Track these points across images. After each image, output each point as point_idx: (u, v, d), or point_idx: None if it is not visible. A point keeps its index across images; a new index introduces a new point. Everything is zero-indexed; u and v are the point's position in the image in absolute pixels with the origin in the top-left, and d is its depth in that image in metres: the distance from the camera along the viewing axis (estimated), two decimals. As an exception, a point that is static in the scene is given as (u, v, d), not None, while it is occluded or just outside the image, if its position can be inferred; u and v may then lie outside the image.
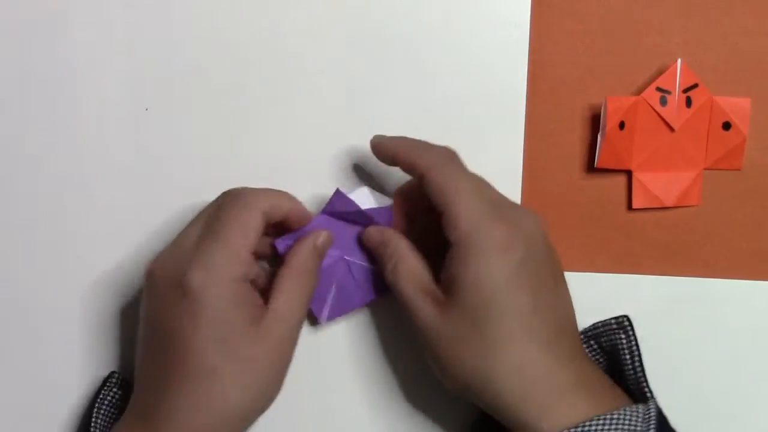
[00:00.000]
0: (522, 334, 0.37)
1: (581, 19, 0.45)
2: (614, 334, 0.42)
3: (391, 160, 0.42)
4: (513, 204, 0.41)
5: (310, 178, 0.46)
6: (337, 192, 0.42)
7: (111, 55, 0.45)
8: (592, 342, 0.43)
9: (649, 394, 0.40)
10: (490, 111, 0.45)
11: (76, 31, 0.45)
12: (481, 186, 0.40)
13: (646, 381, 0.40)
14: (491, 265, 0.37)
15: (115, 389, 0.43)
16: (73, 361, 0.46)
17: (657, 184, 0.45)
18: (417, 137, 0.45)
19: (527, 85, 0.45)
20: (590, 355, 0.43)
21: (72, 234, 0.46)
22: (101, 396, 0.43)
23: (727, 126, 0.45)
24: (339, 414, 0.46)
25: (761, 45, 0.45)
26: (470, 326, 0.38)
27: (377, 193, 0.43)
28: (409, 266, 0.41)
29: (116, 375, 0.44)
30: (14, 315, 0.46)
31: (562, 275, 0.41)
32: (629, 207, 0.46)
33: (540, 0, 0.45)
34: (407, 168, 0.41)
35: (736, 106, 0.45)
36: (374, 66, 0.45)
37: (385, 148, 0.42)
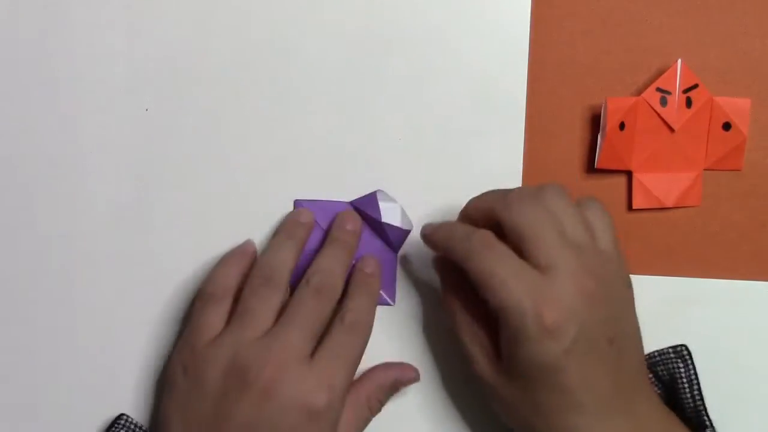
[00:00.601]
0: (571, 408, 0.38)
1: (581, 20, 0.45)
2: (672, 363, 0.43)
3: (440, 252, 0.42)
4: (580, 250, 0.38)
5: (311, 178, 0.46)
6: (374, 195, 0.45)
7: (111, 55, 0.45)
8: (647, 371, 0.43)
9: (708, 423, 0.41)
10: (490, 112, 0.45)
11: (76, 31, 0.45)
12: (526, 267, 0.38)
13: (705, 411, 0.41)
14: (541, 350, 0.37)
15: (123, 431, 0.44)
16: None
17: (657, 185, 0.45)
18: (417, 138, 0.45)
19: (527, 85, 0.45)
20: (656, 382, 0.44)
21: (70, 233, 0.46)
22: None
23: (727, 126, 0.45)
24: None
25: (761, 45, 0.45)
26: (522, 393, 0.39)
27: (407, 217, 0.45)
28: (467, 319, 0.41)
29: (125, 417, 0.44)
30: (13, 320, 0.46)
31: (629, 305, 0.40)
32: (629, 207, 0.46)
33: (540, 0, 0.45)
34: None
35: (736, 106, 0.44)
36: (375, 67, 0.45)
37: (430, 241, 0.42)
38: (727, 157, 0.45)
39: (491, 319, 0.40)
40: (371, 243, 0.45)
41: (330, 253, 0.43)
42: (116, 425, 0.44)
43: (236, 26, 0.45)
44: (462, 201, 0.45)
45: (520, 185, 0.45)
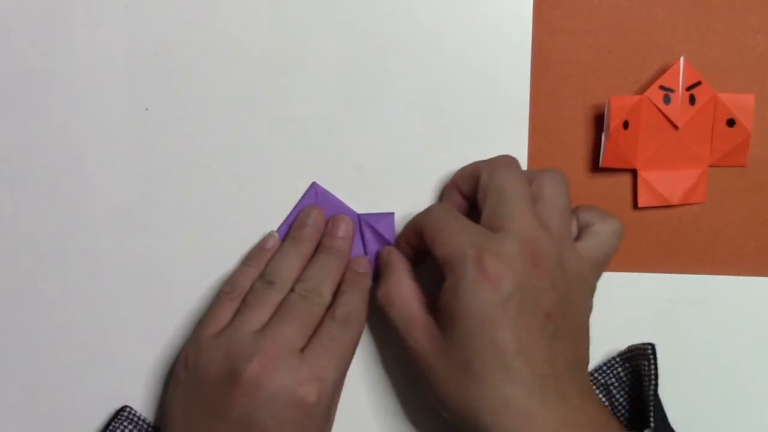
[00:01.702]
0: (501, 374, 0.37)
1: (584, 19, 0.45)
2: (639, 359, 0.43)
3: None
4: (533, 222, 0.39)
5: (311, 178, 0.45)
6: (391, 216, 0.46)
7: (111, 55, 0.45)
8: (627, 365, 0.44)
9: (650, 424, 0.40)
10: (494, 112, 0.45)
11: (76, 31, 0.45)
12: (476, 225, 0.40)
13: (652, 410, 0.41)
14: (476, 296, 0.37)
15: (125, 423, 0.44)
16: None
17: (662, 183, 0.45)
18: (420, 138, 0.45)
19: (530, 85, 0.45)
20: (625, 377, 0.44)
21: (70, 233, 0.45)
22: (111, 428, 0.43)
23: (731, 123, 0.45)
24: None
25: (764, 41, 0.45)
26: (458, 361, 0.38)
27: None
28: (402, 294, 0.41)
29: (128, 409, 0.44)
30: (12, 323, 0.45)
31: (580, 305, 0.40)
32: (635, 206, 0.46)
33: (542, 0, 0.45)
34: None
35: (740, 102, 0.45)
36: (376, 67, 0.45)
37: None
38: (731, 154, 0.45)
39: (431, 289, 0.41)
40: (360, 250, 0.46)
41: (320, 263, 0.44)
42: (119, 417, 0.44)
43: (237, 26, 0.45)
44: (466, 202, 0.45)
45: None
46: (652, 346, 0.42)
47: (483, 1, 0.45)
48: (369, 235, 0.45)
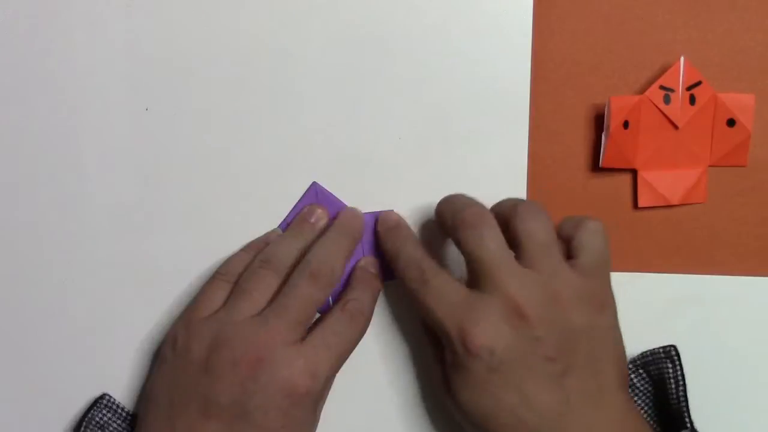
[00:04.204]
0: (515, 428, 0.38)
1: (583, 19, 0.45)
2: (662, 362, 0.43)
3: None
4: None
5: (311, 178, 0.45)
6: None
7: (111, 55, 0.45)
8: (641, 370, 0.43)
9: (688, 425, 0.40)
10: (494, 112, 0.45)
11: (76, 31, 0.45)
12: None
13: (687, 412, 0.41)
14: (470, 371, 0.38)
15: (104, 411, 0.43)
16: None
17: (662, 183, 0.45)
18: (420, 138, 0.45)
19: (530, 85, 0.45)
20: (640, 383, 0.43)
21: (71, 234, 0.45)
22: (89, 416, 0.43)
23: (731, 123, 0.45)
24: (334, 414, 0.45)
25: (764, 41, 0.45)
26: (473, 415, 0.39)
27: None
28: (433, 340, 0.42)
29: (107, 397, 0.44)
30: (5, 318, 0.45)
31: (591, 327, 0.39)
32: (635, 206, 0.46)
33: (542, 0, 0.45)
34: None
35: (740, 102, 0.45)
36: (376, 67, 0.45)
37: None
38: (731, 154, 0.45)
39: None
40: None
41: (333, 238, 0.43)
42: (98, 405, 0.43)
43: (237, 26, 0.45)
44: (466, 202, 0.45)
45: (525, 186, 0.45)
46: (675, 347, 0.42)
47: (483, 1, 0.45)
48: (369, 235, 0.45)
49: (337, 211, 0.45)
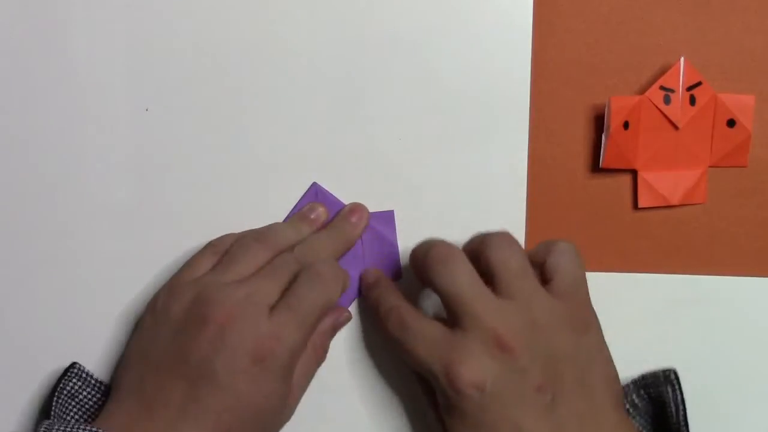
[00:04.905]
0: None
1: (583, 19, 0.45)
2: (661, 386, 0.42)
3: None
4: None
5: (311, 179, 0.45)
6: (391, 213, 0.46)
7: (111, 55, 0.45)
8: (641, 391, 0.43)
9: None
10: (494, 112, 0.45)
11: (77, 31, 0.45)
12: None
13: None
14: (460, 410, 0.38)
15: (74, 380, 0.43)
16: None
17: (662, 183, 0.45)
18: (420, 138, 0.45)
19: (530, 86, 0.45)
20: (641, 403, 0.43)
21: (71, 234, 0.45)
22: (61, 385, 0.42)
23: (731, 123, 0.45)
24: (333, 414, 0.45)
25: (764, 42, 0.45)
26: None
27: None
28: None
29: (77, 366, 0.44)
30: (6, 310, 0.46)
31: (576, 349, 0.39)
32: (635, 206, 0.46)
33: (542, 0, 0.45)
34: None
35: (740, 103, 0.45)
36: (377, 68, 0.45)
37: None
38: (731, 154, 0.45)
39: None
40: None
41: (325, 235, 0.44)
42: (68, 374, 0.43)
43: (237, 26, 0.45)
44: (466, 202, 0.45)
45: (525, 186, 0.45)
46: (674, 371, 0.42)
47: (483, 1, 0.45)
48: (368, 234, 0.45)
49: (336, 210, 0.45)
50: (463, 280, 0.39)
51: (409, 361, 0.41)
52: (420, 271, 0.41)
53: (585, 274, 0.41)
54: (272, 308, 0.40)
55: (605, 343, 0.41)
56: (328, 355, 0.44)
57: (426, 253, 0.41)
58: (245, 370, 0.38)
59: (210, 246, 0.43)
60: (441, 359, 0.39)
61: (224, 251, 0.43)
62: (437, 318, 0.42)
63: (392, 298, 0.43)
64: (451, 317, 0.40)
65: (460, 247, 0.42)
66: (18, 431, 0.45)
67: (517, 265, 0.40)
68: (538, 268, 0.41)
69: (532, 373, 0.38)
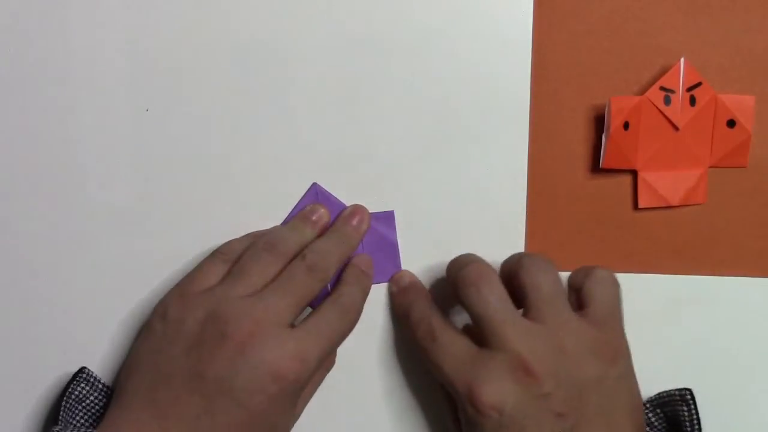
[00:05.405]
0: None
1: (583, 20, 0.45)
2: (677, 405, 0.42)
3: None
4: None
5: (311, 179, 0.45)
6: (391, 213, 0.46)
7: (111, 55, 0.45)
8: (658, 410, 0.43)
9: None
10: (494, 113, 0.45)
11: (76, 31, 0.44)
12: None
13: None
14: (478, 428, 0.39)
15: (83, 384, 0.43)
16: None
17: (662, 183, 0.45)
18: (421, 139, 0.45)
19: (530, 85, 0.45)
20: (657, 422, 0.43)
21: (71, 234, 0.45)
22: (69, 390, 0.42)
23: (731, 124, 0.45)
24: (332, 413, 0.45)
25: (764, 42, 0.45)
26: None
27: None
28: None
29: (86, 371, 0.44)
30: (7, 310, 0.46)
31: (601, 380, 0.39)
32: (635, 206, 0.46)
33: (542, 1, 0.45)
34: None
35: (740, 103, 0.45)
36: (377, 68, 0.45)
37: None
38: (731, 155, 0.45)
39: None
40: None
41: (330, 238, 0.44)
42: (77, 379, 0.43)
43: (237, 26, 0.45)
44: (466, 203, 0.45)
45: (525, 186, 0.45)
46: (690, 391, 0.42)
47: (483, 1, 0.45)
48: (369, 234, 0.45)
49: (337, 211, 0.45)
50: (492, 301, 0.39)
51: (435, 372, 0.41)
52: (453, 287, 0.41)
53: (621, 304, 0.41)
54: (296, 326, 0.40)
55: (634, 374, 0.41)
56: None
57: (459, 271, 0.41)
58: (264, 389, 0.38)
59: (219, 254, 0.43)
60: (465, 377, 0.39)
61: (234, 260, 0.43)
62: (468, 329, 0.42)
63: (424, 307, 0.43)
64: (480, 336, 0.40)
65: (498, 263, 0.42)
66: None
67: (550, 290, 0.40)
68: (575, 293, 0.41)
69: (555, 400, 0.38)
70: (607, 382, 0.39)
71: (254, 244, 0.43)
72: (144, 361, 0.41)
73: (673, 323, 0.45)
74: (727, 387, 0.45)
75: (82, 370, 0.44)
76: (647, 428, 0.43)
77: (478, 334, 0.40)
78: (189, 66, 0.45)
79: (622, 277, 0.45)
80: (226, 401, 0.38)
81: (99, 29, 0.45)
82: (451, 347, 0.40)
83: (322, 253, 0.42)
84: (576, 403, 0.38)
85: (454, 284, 0.41)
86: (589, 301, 0.40)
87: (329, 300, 0.42)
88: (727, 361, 0.45)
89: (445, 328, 0.41)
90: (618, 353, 0.40)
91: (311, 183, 0.45)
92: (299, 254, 0.42)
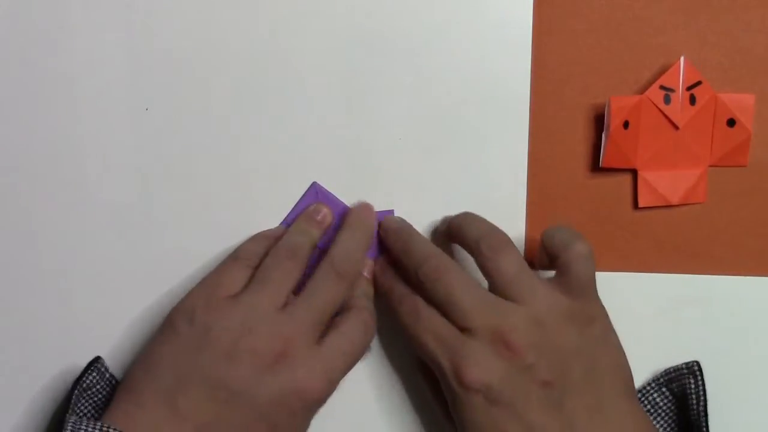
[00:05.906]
0: None
1: (583, 19, 0.45)
2: (684, 378, 0.43)
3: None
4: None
5: (311, 178, 0.45)
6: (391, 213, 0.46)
7: (111, 55, 0.45)
8: (664, 389, 0.44)
9: None
10: (494, 112, 0.45)
11: (77, 31, 0.45)
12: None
13: (706, 426, 0.41)
14: (468, 407, 0.39)
15: (94, 373, 0.43)
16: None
17: (662, 183, 0.45)
18: (421, 139, 0.45)
19: (530, 85, 0.45)
20: (663, 402, 0.44)
21: (71, 234, 0.45)
22: (81, 378, 0.43)
23: (731, 123, 0.45)
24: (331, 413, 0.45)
25: (764, 41, 0.45)
26: None
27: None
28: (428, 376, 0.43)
29: (101, 361, 0.44)
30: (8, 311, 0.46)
31: (584, 346, 0.40)
32: (635, 206, 0.46)
33: (542, 0, 0.45)
34: None
35: (740, 102, 0.45)
36: (377, 67, 0.45)
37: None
38: (731, 154, 0.45)
39: None
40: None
41: (352, 235, 0.44)
42: (91, 367, 0.43)
43: (237, 25, 0.45)
44: (466, 202, 0.45)
45: (525, 186, 0.45)
46: (698, 363, 0.43)
47: (483, 1, 0.45)
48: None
49: (337, 210, 0.45)
50: (460, 290, 0.40)
51: (418, 349, 0.41)
52: (417, 284, 0.42)
53: (594, 275, 0.41)
54: (321, 343, 0.40)
55: (613, 331, 0.41)
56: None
57: (418, 268, 0.42)
58: (289, 406, 0.39)
59: (240, 258, 0.43)
60: (449, 354, 0.39)
61: (255, 265, 0.42)
62: None
63: (405, 285, 0.43)
64: (456, 318, 0.40)
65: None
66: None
67: (513, 269, 0.40)
68: (551, 257, 0.42)
69: (539, 369, 0.39)
70: (588, 346, 0.40)
71: (275, 251, 0.43)
72: (165, 361, 0.40)
73: (672, 322, 0.45)
74: (727, 387, 0.45)
75: (97, 359, 0.44)
76: (650, 409, 0.43)
77: (452, 318, 0.40)
78: (189, 66, 0.45)
79: (622, 277, 0.46)
80: (247, 413, 0.38)
81: (99, 29, 0.45)
82: (435, 326, 0.41)
83: (351, 260, 0.43)
84: (560, 370, 0.39)
85: (416, 282, 0.42)
86: (565, 272, 0.41)
87: (353, 316, 0.42)
88: (727, 361, 0.45)
89: (429, 305, 0.41)
90: (593, 316, 0.41)
91: (311, 182, 0.45)
92: (324, 260, 0.42)
